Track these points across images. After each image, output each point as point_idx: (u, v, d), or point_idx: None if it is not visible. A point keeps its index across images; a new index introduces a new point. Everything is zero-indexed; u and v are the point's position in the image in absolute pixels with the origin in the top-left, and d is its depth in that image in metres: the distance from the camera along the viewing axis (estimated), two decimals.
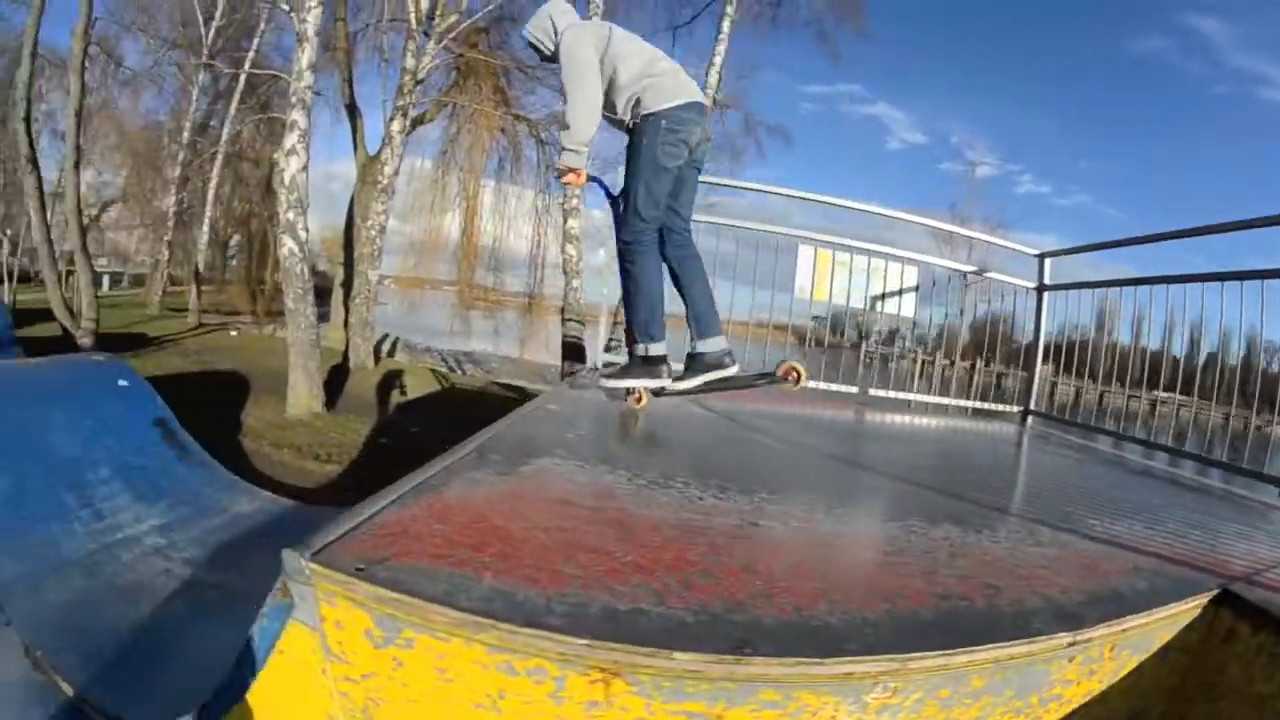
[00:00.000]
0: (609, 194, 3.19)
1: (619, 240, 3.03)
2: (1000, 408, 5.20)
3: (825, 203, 5.23)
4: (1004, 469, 3.50)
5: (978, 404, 5.29)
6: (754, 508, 1.86)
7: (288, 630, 1.21)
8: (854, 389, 5.15)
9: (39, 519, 3.67)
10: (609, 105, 2.95)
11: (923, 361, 6.11)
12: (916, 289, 5.22)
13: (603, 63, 2.88)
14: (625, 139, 3.04)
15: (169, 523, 4.13)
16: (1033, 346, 5.07)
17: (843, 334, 6.00)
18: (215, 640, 2.89)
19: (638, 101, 2.89)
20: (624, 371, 3.18)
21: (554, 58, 3.03)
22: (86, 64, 11.54)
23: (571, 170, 2.90)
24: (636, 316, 3.05)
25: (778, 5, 14.75)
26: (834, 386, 5.06)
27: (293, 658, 1.22)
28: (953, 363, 5.79)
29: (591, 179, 3.07)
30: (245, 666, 1.33)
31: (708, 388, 3.13)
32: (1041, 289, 5.14)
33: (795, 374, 3.18)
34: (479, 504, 1.59)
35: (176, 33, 19.08)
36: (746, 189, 6.30)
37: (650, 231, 2.96)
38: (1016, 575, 1.50)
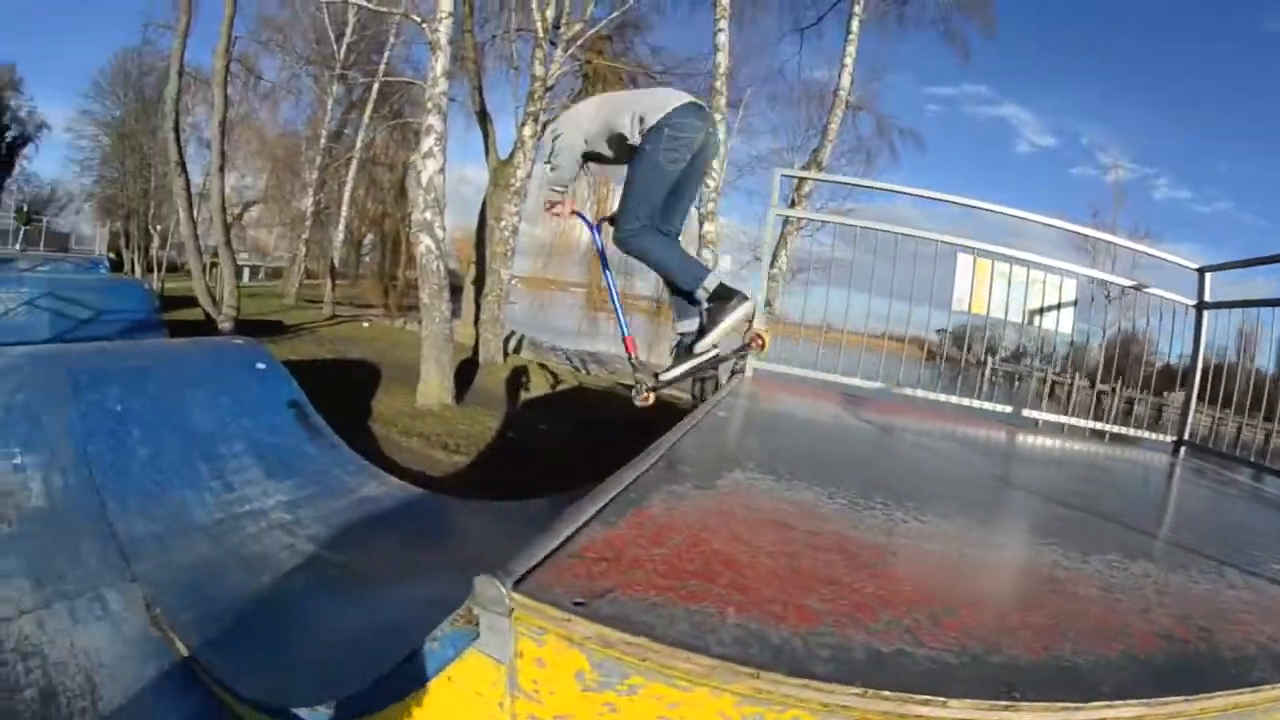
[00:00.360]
0: (588, 223, 3.48)
1: (616, 241, 3.05)
2: (1154, 436, 4.82)
3: (982, 209, 4.95)
4: (1175, 503, 3.35)
5: (1131, 431, 4.89)
6: (959, 532, 1.85)
7: (464, 659, 1.11)
8: (1007, 408, 4.87)
9: (173, 486, 3.79)
10: (617, 139, 3.04)
11: (1051, 382, 5.75)
12: (1075, 303, 4.84)
13: (601, 113, 3.06)
14: None
15: (296, 499, 4.16)
16: (1190, 371, 4.67)
17: (969, 349, 5.62)
18: (336, 619, 2.84)
19: (641, 119, 2.94)
20: (711, 322, 2.96)
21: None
22: (229, 79, 12.46)
23: (557, 203, 3.18)
24: (678, 278, 3.00)
25: (904, 3, 14.05)
26: (986, 405, 4.78)
27: (463, 687, 1.12)
28: (1092, 384, 5.43)
29: (574, 213, 3.35)
30: (397, 681, 1.25)
31: (693, 371, 3.14)
32: (1201, 307, 4.59)
33: (760, 340, 3.20)
34: (690, 523, 1.50)
35: (310, 49, 20.46)
36: (890, 191, 5.97)
37: (642, 227, 2.94)
38: (1224, 618, 1.44)
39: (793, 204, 10.48)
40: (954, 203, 4.96)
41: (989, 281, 4.69)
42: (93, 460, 3.66)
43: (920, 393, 4.67)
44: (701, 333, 2.96)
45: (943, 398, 4.66)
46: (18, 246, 18.57)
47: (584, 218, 3.50)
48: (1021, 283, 4.74)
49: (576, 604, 1.02)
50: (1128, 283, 4.95)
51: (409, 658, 1.20)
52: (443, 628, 1.13)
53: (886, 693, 0.93)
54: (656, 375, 3.08)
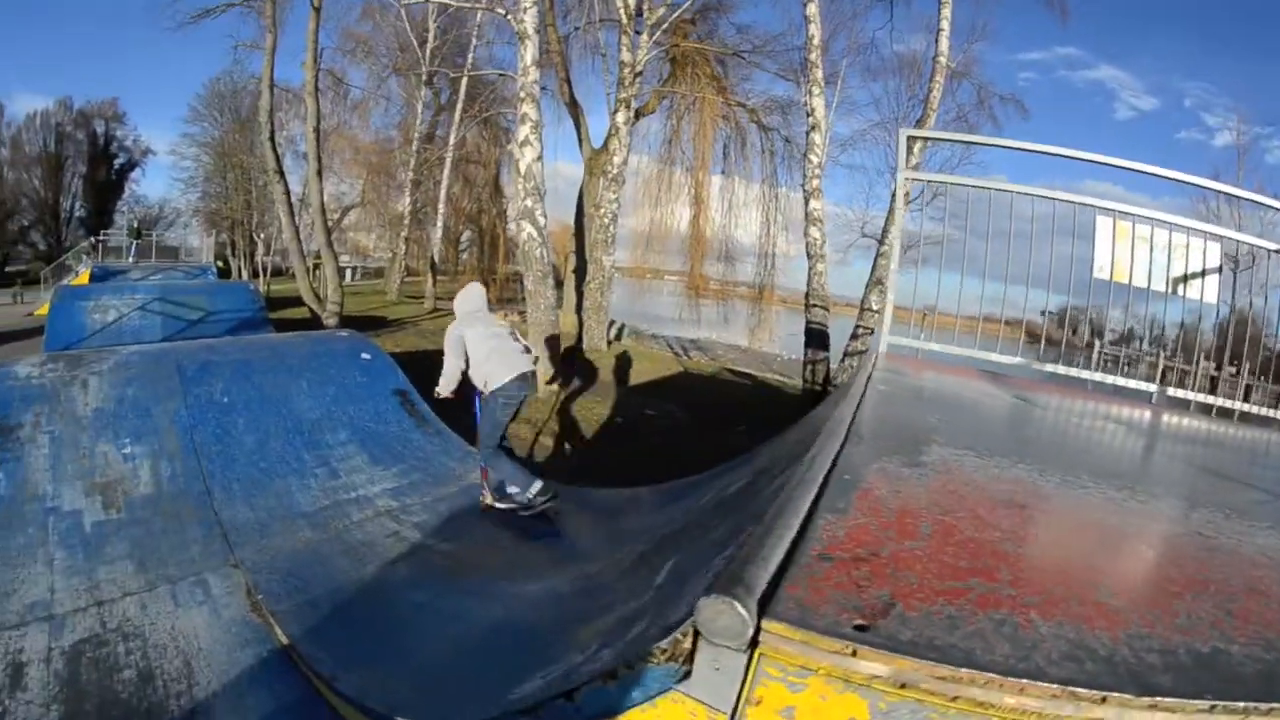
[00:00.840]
0: (469, 398, 4.36)
1: (480, 452, 4.23)
2: None
3: (1113, 165, 4.55)
4: None
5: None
6: (1178, 514, 1.74)
7: (657, 704, 0.84)
8: (1152, 386, 4.58)
9: (278, 473, 3.81)
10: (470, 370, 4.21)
11: (1163, 367, 5.55)
12: (1220, 270, 4.46)
13: (471, 353, 4.15)
14: None
15: (401, 486, 4.10)
16: None
17: (1075, 331, 5.27)
18: (442, 615, 2.80)
19: (486, 383, 4.11)
20: (529, 506, 4.04)
21: None
22: (319, 91, 12.80)
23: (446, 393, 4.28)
24: (511, 481, 4.10)
25: None
26: (1132, 383, 4.53)
27: None
28: (1219, 367, 5.31)
29: (457, 394, 4.28)
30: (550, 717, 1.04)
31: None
32: None
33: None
34: (925, 506, 1.30)
35: (395, 57, 20.92)
36: (1014, 149, 5.54)
37: (493, 451, 4.10)
38: None
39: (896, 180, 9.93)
40: (1081, 159, 4.58)
41: (1130, 246, 4.34)
42: (200, 449, 3.74)
43: (1062, 369, 4.41)
44: (517, 503, 4.02)
45: (1085, 374, 4.41)
46: (130, 259, 19.81)
47: (466, 395, 4.42)
48: (1163, 246, 4.38)
49: (859, 628, 0.75)
50: (1275, 246, 4.51)
51: (568, 694, 0.95)
52: (639, 667, 0.87)
53: (1240, 704, 0.78)
54: (495, 498, 4.09)
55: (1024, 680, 0.73)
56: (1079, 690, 0.74)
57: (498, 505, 4.03)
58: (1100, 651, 0.83)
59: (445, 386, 4.19)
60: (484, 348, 4.10)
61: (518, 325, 7.47)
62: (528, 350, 4.28)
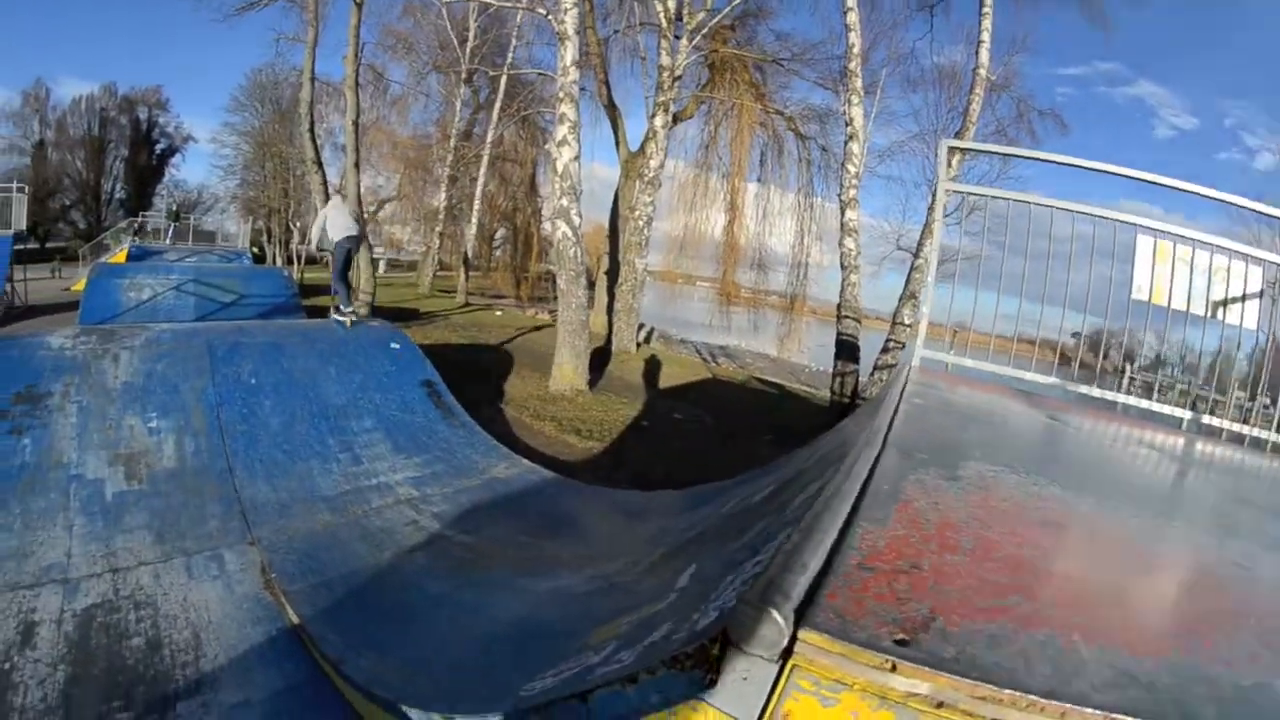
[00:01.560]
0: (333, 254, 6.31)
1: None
2: None
3: (1157, 183, 4.32)
4: None
5: None
6: (1213, 542, 1.68)
7: (676, 712, 0.81)
8: (1187, 413, 4.40)
9: (301, 456, 3.82)
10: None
11: (1195, 396, 5.38)
12: (1261, 294, 4.29)
13: (329, 222, 6.19)
14: None
15: (424, 476, 4.08)
16: None
17: (1106, 355, 5.17)
18: (457, 607, 2.57)
19: (332, 240, 6.10)
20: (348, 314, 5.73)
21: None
22: (359, 85, 13.02)
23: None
24: (341, 295, 5.88)
25: None
26: (1167, 408, 4.36)
27: None
28: (1253, 397, 4.93)
29: (320, 249, 6.70)
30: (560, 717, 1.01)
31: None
32: None
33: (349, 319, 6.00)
34: (963, 520, 1.28)
35: (436, 56, 21.12)
36: (1054, 162, 5.45)
37: (338, 276, 6.11)
38: None
39: (934, 191, 9.79)
40: (1121, 174, 4.45)
41: (1170, 267, 4.22)
42: (225, 427, 3.79)
43: (1097, 391, 4.30)
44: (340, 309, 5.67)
45: (1120, 398, 4.28)
46: (168, 241, 20.14)
47: (329, 250, 6.37)
48: (1203, 269, 4.23)
49: (899, 642, 0.72)
50: None
51: (582, 695, 0.93)
52: (659, 672, 0.84)
53: None
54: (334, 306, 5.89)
55: (1066, 705, 0.69)
56: (1120, 718, 0.70)
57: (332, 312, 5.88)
58: (1142, 679, 0.80)
59: (311, 246, 6.59)
60: (330, 221, 6.17)
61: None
62: (359, 222, 6.41)
